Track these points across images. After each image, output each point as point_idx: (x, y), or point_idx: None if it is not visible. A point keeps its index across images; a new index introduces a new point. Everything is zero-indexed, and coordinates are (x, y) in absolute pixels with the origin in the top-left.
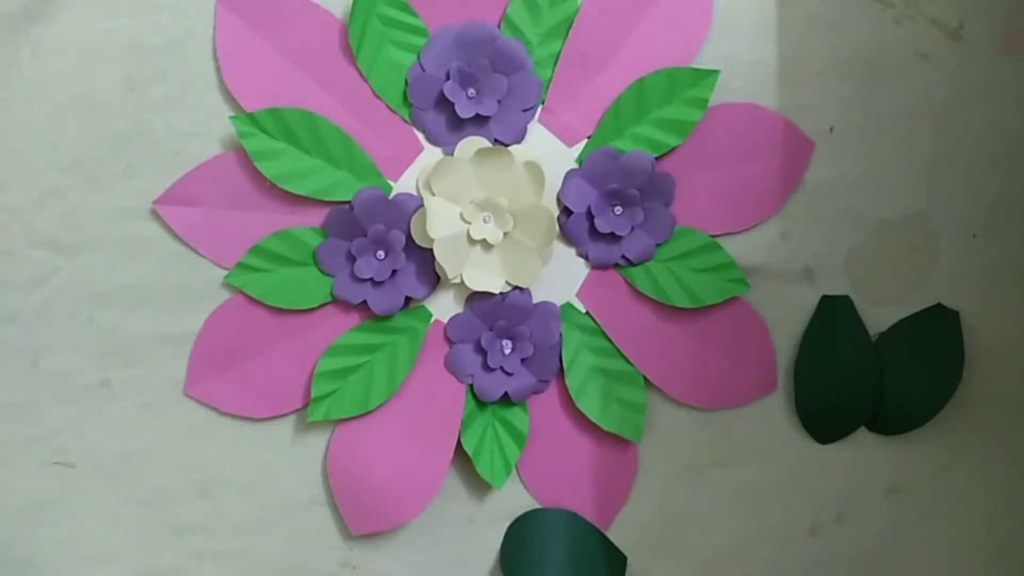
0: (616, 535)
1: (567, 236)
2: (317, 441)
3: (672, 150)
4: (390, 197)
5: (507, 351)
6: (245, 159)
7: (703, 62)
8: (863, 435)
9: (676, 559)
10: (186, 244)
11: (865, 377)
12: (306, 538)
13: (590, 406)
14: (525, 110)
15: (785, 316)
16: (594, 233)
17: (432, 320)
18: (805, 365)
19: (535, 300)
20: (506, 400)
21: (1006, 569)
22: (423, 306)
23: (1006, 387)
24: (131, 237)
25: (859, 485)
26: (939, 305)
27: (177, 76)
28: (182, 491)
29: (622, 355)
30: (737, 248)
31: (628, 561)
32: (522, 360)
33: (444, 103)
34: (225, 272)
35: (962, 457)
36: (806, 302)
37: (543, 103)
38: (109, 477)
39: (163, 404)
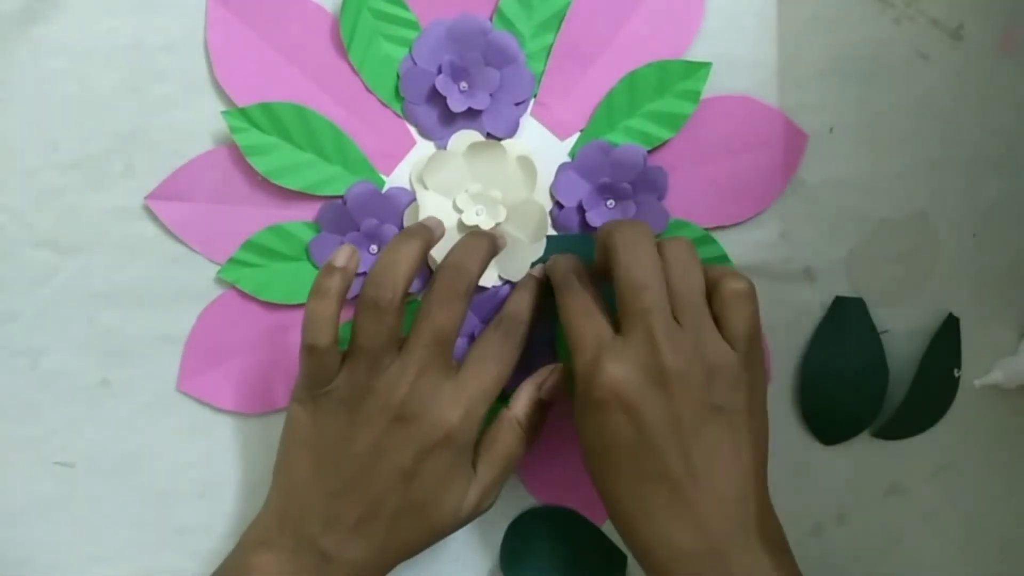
0: (616, 534)
1: (560, 230)
2: None
3: (665, 143)
4: (383, 191)
5: None
6: (237, 154)
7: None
8: (863, 436)
9: None
10: (185, 244)
11: (874, 381)
12: None
13: None
14: (517, 104)
15: (785, 316)
16: (586, 227)
17: None
18: (813, 366)
19: None
20: (500, 394)
21: (1006, 569)
22: (416, 300)
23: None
24: (131, 237)
25: (859, 485)
26: (950, 315)
27: (177, 76)
28: (182, 491)
29: None
30: (736, 247)
31: (628, 560)
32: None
33: (436, 97)
34: (219, 268)
35: (962, 457)
36: (806, 302)
37: (535, 96)
38: (109, 477)
39: (163, 404)
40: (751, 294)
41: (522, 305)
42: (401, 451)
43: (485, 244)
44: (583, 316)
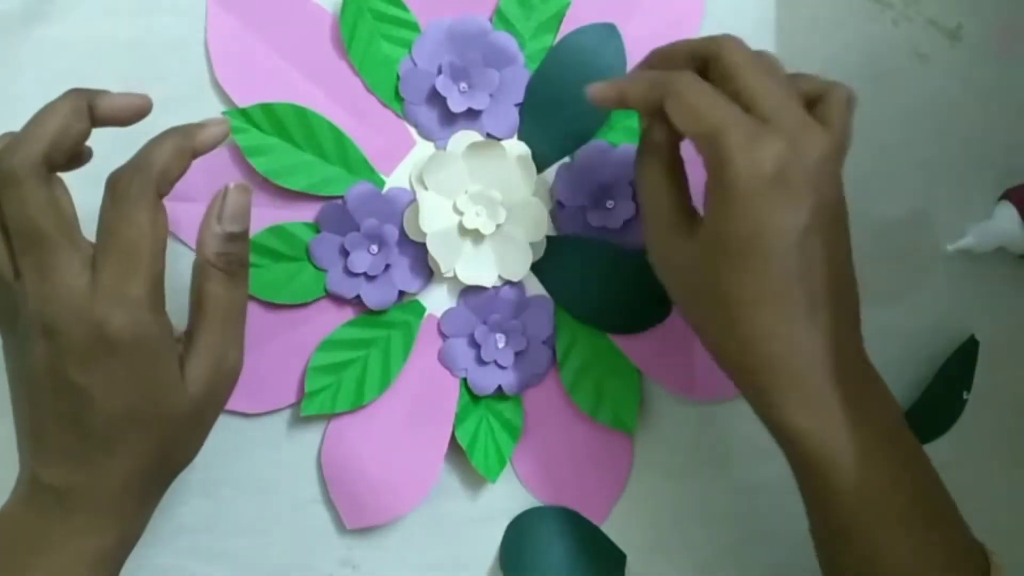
0: (615, 534)
1: (560, 230)
2: (313, 438)
3: None
4: (383, 192)
5: (501, 345)
6: (238, 155)
7: None
8: None
9: (676, 559)
10: (186, 244)
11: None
12: (306, 538)
13: (584, 399)
14: (517, 104)
15: None
16: (587, 227)
17: (426, 314)
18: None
19: (528, 294)
20: (500, 394)
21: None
22: (416, 300)
23: (1005, 387)
24: None
25: None
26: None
27: (177, 76)
28: (182, 491)
29: (616, 348)
30: None
31: (627, 560)
32: (516, 354)
33: (436, 97)
34: None
35: (962, 457)
36: None
37: None
38: None
39: None
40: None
41: (153, 154)
42: (66, 369)
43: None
44: (721, 104)
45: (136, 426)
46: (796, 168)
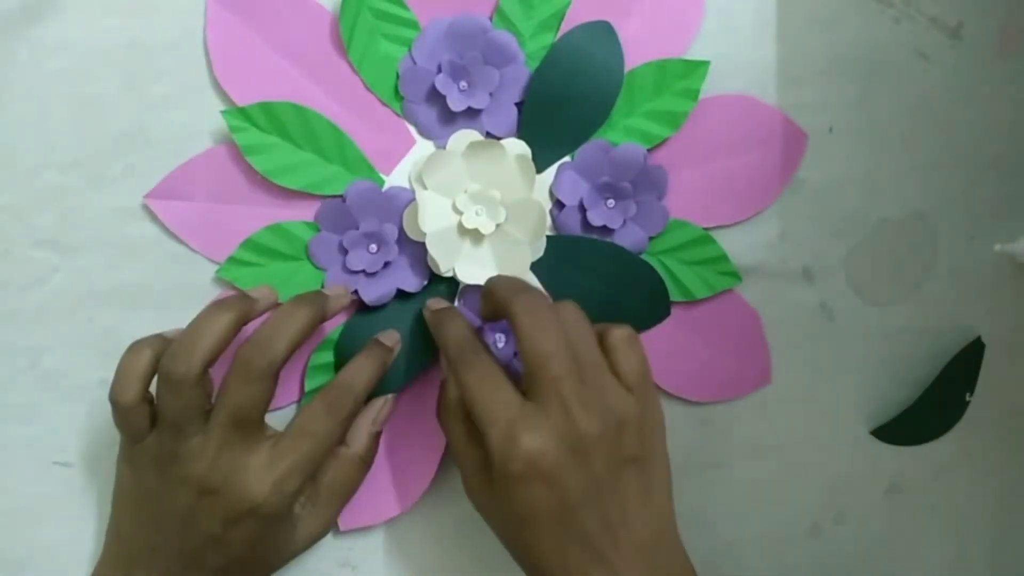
0: None
1: (560, 229)
2: None
3: (665, 142)
4: (382, 190)
5: (500, 345)
6: (236, 153)
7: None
8: (862, 435)
9: None
10: (185, 243)
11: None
12: None
13: None
14: (517, 103)
15: (783, 315)
16: (587, 226)
17: None
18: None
19: None
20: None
21: (1006, 568)
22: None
23: (1005, 387)
24: (131, 237)
25: (859, 484)
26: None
27: (176, 76)
28: None
29: None
30: (735, 247)
31: None
32: (515, 354)
33: (436, 96)
34: (218, 267)
35: (962, 457)
36: (804, 302)
37: None
38: (109, 477)
39: None
40: (636, 337)
41: (359, 376)
42: (209, 519)
43: (298, 318)
44: (489, 388)
45: (245, 566)
46: (556, 453)
